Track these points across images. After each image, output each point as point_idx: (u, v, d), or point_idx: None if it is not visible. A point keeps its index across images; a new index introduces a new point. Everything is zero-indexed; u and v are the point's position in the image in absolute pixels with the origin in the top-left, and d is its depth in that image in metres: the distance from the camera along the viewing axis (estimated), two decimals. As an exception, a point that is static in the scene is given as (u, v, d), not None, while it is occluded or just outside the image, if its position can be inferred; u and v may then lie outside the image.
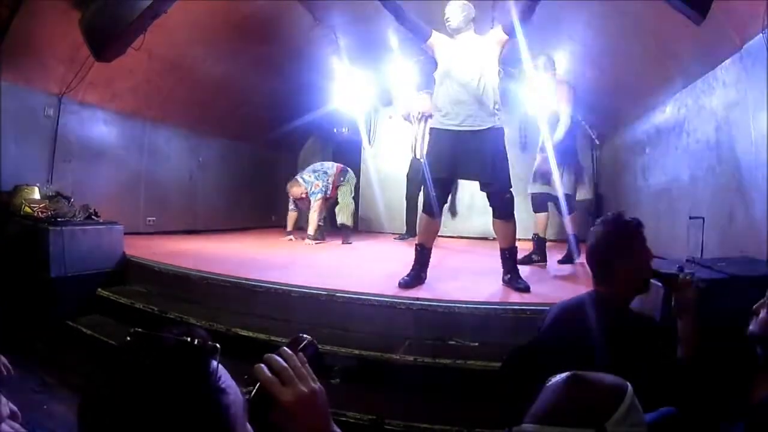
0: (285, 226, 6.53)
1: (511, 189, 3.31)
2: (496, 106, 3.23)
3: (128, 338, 0.63)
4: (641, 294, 1.72)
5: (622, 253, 1.58)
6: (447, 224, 7.13)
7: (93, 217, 4.09)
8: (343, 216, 6.16)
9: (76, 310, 3.46)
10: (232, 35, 5.43)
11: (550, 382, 0.74)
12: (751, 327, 1.37)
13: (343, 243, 5.99)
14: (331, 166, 6.19)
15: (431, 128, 3.41)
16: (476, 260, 4.87)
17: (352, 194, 6.31)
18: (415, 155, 6.42)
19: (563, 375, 0.74)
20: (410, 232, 6.57)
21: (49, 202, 3.96)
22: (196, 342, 0.63)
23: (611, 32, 4.57)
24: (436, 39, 3.32)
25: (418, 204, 6.45)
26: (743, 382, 1.37)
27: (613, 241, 1.61)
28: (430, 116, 6.28)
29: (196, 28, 5.06)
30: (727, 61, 3.29)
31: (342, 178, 6.15)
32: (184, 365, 0.60)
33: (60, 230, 3.60)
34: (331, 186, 6.05)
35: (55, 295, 3.47)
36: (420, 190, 6.39)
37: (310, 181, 6.00)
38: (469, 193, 6.93)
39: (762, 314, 1.34)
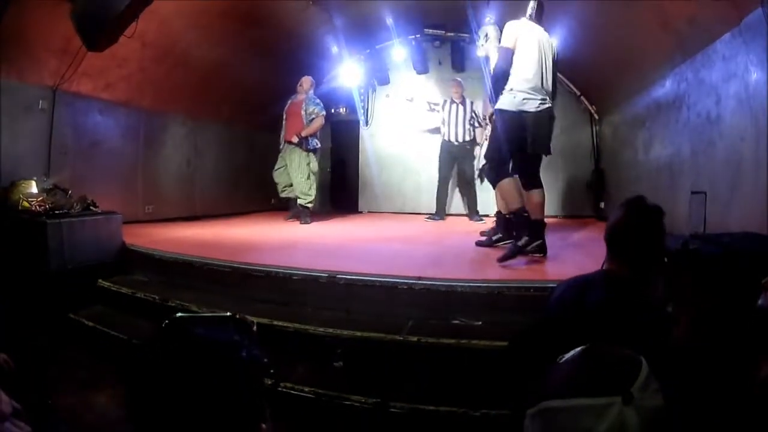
0: (284, 210, 6.52)
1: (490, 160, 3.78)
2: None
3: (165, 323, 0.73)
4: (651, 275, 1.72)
5: (640, 238, 1.59)
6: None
7: (91, 207, 4.07)
8: (299, 194, 5.99)
9: (78, 302, 3.45)
10: (225, 18, 5.36)
11: (562, 360, 0.74)
12: (760, 301, 1.37)
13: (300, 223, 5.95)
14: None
15: None
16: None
17: (309, 174, 5.99)
18: (444, 138, 6.43)
19: (577, 349, 0.74)
20: (440, 213, 6.55)
21: (46, 195, 3.95)
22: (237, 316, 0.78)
23: (610, 7, 4.50)
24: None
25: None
26: (747, 357, 1.36)
27: (634, 226, 1.61)
28: (461, 102, 6.34)
29: (188, 13, 4.99)
30: (727, 35, 3.24)
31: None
32: (232, 334, 0.74)
33: (58, 223, 3.59)
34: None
35: (56, 288, 3.45)
36: (449, 172, 6.48)
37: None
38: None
39: None
